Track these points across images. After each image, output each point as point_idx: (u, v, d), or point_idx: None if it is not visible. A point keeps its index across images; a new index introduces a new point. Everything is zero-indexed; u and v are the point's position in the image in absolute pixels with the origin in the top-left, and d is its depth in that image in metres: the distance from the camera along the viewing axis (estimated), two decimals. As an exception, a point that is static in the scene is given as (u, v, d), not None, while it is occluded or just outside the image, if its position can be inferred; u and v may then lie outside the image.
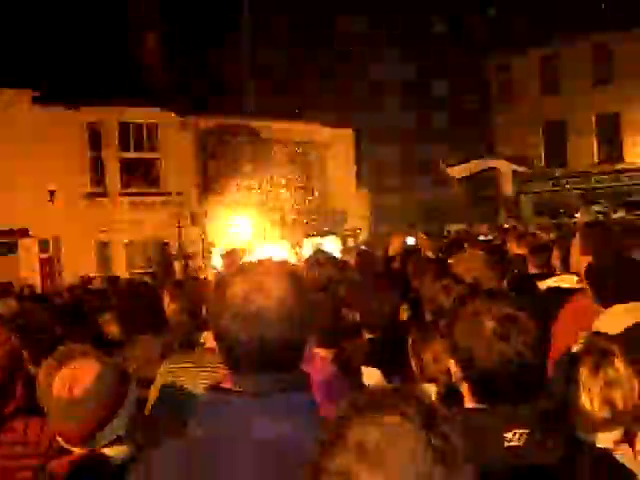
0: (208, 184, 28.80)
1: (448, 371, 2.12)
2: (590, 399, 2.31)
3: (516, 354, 1.90)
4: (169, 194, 27.56)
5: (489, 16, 35.81)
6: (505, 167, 24.48)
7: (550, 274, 5.86)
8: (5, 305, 9.37)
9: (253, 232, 18.89)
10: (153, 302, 4.71)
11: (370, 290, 4.53)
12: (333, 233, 22.41)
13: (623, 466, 2.04)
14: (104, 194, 25.93)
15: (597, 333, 2.73)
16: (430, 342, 3.08)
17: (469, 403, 1.98)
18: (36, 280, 21.75)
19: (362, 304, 4.43)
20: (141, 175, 27.75)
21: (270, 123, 28.25)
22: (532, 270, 6.32)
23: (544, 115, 37.22)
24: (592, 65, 36.03)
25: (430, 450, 1.15)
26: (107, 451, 2.41)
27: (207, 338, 3.71)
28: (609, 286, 3.59)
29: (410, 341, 3.31)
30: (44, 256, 24.23)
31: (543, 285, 5.57)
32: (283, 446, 1.64)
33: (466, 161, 27.16)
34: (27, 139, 22.12)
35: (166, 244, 26.34)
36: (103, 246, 25.91)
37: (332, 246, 14.61)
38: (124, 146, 26.77)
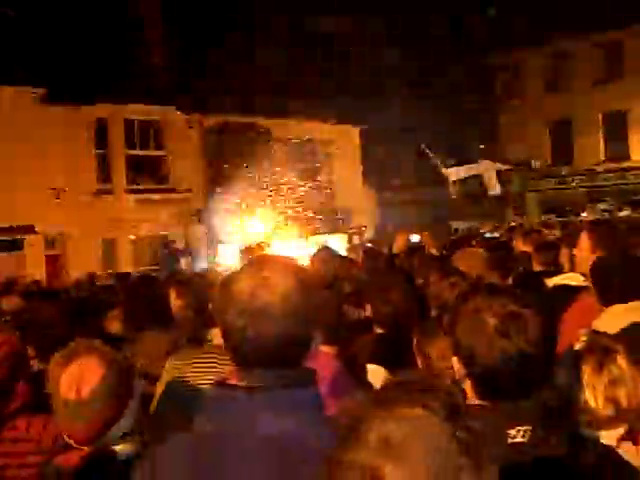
0: (214, 181, 28.82)
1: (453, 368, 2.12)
2: (594, 397, 2.31)
3: (518, 351, 1.90)
4: (175, 191, 27.60)
5: (489, 16, 35.70)
6: (489, 168, 24.41)
7: (557, 271, 5.87)
8: (9, 301, 9.40)
9: (263, 228, 18.92)
10: (159, 298, 4.72)
11: (382, 286, 4.52)
12: (339, 231, 22.43)
13: (627, 463, 2.05)
14: (110, 191, 25.98)
15: (599, 332, 2.73)
16: (435, 339, 3.08)
17: (472, 400, 1.97)
18: (42, 277, 21.77)
19: (374, 300, 4.41)
20: (147, 172, 27.81)
21: (276, 121, 28.25)
22: (537, 268, 6.32)
23: (549, 113, 37.14)
24: (598, 63, 35.92)
25: (455, 442, 1.14)
26: (114, 447, 2.41)
27: (215, 335, 3.71)
28: (614, 285, 3.59)
29: (415, 339, 3.31)
30: (50, 253, 24.28)
31: (550, 282, 5.57)
32: (287, 442, 1.64)
33: (459, 164, 27.22)
34: (34, 137, 22.16)
35: (172, 241, 26.37)
36: (109, 243, 25.95)
37: (337, 244, 14.63)
38: (130, 144, 26.83)
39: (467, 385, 1.99)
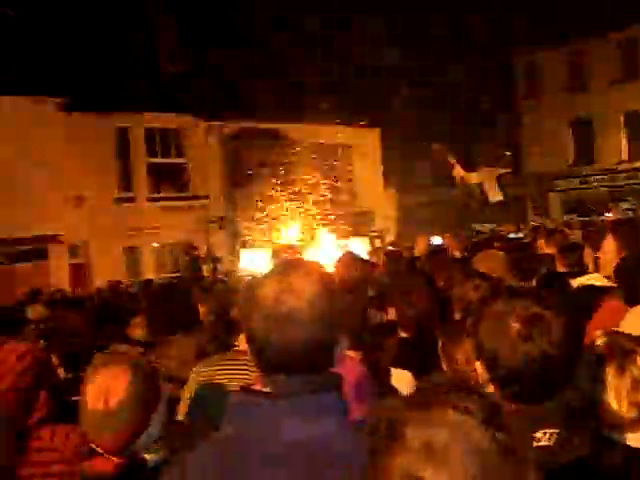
0: (234, 187, 28.91)
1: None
2: (617, 400, 2.28)
3: (541, 353, 1.90)
4: (196, 198, 27.71)
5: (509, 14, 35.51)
6: (486, 176, 24.09)
7: (581, 272, 5.82)
8: (34, 310, 9.47)
9: (286, 233, 18.93)
10: (183, 305, 4.74)
11: (404, 289, 4.50)
12: (360, 234, 22.37)
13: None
14: (132, 199, 26.14)
15: (617, 332, 2.69)
16: (461, 342, 3.05)
17: (496, 404, 1.96)
18: (66, 285, 21.92)
19: (397, 304, 4.40)
20: (168, 180, 27.94)
21: (295, 125, 28.28)
22: (561, 269, 6.27)
23: (570, 113, 36.90)
24: (620, 62, 35.63)
25: (495, 445, 1.13)
26: (143, 454, 2.43)
27: (240, 340, 3.72)
28: (638, 285, 3.55)
29: (440, 342, 3.29)
30: (74, 261, 24.45)
31: (575, 283, 5.52)
32: (312, 447, 1.64)
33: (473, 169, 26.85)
34: (56, 146, 22.34)
35: (194, 248, 26.47)
36: (132, 250, 26.11)
37: (359, 247, 14.59)
38: (151, 152, 26.99)
39: (490, 389, 1.98)
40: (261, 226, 24.78)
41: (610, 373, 2.32)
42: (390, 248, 14.61)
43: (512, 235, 18.25)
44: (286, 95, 25.80)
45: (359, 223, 28.24)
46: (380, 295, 5.31)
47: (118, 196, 25.72)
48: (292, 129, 28.83)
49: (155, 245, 26.79)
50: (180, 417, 3.15)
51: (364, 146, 32.40)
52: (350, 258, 6.25)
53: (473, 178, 25.13)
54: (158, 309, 4.79)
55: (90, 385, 2.39)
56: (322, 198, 26.39)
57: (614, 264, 3.97)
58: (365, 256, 10.68)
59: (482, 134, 35.38)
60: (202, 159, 27.86)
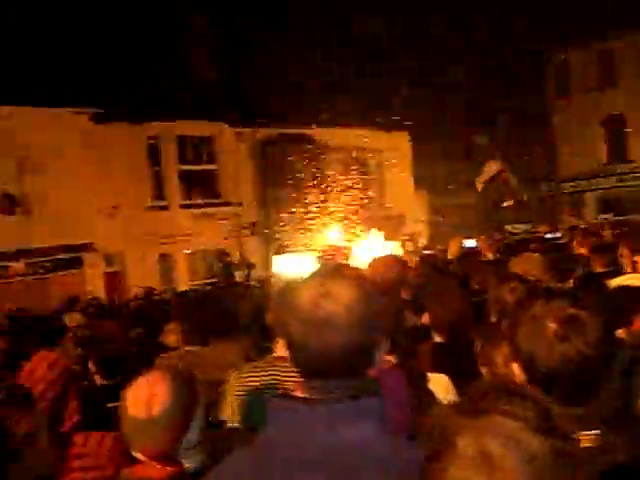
0: (266, 193, 29.00)
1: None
2: None
3: (578, 354, 1.90)
4: (228, 204, 27.84)
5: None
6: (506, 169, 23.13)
7: (617, 272, 5.75)
8: (71, 319, 9.59)
9: (328, 236, 18.93)
10: (220, 311, 4.77)
11: (440, 292, 4.48)
12: (391, 237, 22.28)
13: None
14: (165, 207, 26.33)
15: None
16: (500, 345, 3.02)
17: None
18: (101, 293, 22.15)
19: (432, 307, 4.37)
20: (200, 187, 28.11)
21: (326, 129, 28.30)
22: (597, 269, 6.19)
23: (603, 111, 36.53)
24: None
25: (550, 452, 1.11)
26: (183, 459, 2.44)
27: (278, 346, 3.73)
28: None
29: (479, 345, 3.26)
30: (109, 270, 24.69)
31: (612, 284, 5.45)
32: (351, 452, 1.63)
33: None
34: (89, 156, 22.59)
35: (227, 254, 26.59)
36: (165, 258, 26.29)
37: (392, 251, 14.53)
38: (183, 159, 27.17)
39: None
40: (298, 232, 24.83)
41: None
42: (425, 252, 14.54)
43: (548, 236, 18.09)
44: (317, 100, 25.80)
45: (390, 226, 28.18)
46: (414, 298, 5.28)
47: (151, 204, 25.92)
48: (323, 134, 28.85)
49: (188, 252, 26.95)
50: (226, 423, 3.15)
51: (394, 149, 32.33)
52: (386, 260, 6.22)
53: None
54: (193, 316, 4.82)
55: (132, 393, 2.41)
56: (354, 202, 26.38)
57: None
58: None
59: (515, 134, 35.10)
60: (234, 165, 27.99)
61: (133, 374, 2.64)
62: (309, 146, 28.82)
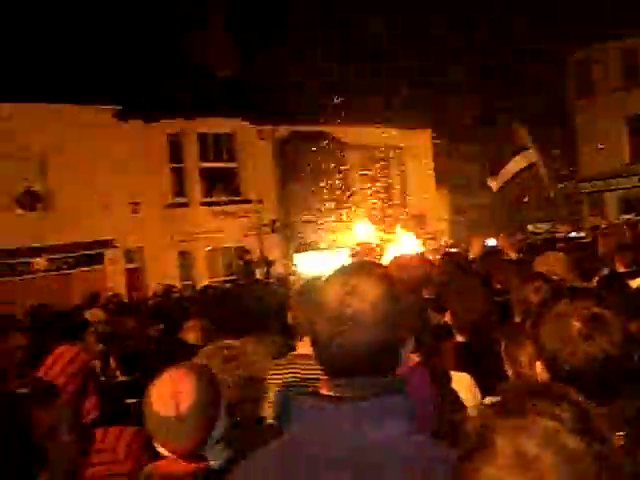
0: (286, 191, 29.03)
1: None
2: None
3: (602, 353, 1.90)
4: (249, 202, 27.88)
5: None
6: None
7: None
8: (92, 315, 9.65)
9: (356, 234, 18.90)
10: (240, 308, 4.77)
11: (462, 291, 4.45)
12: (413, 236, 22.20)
13: None
14: (186, 204, 26.41)
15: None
16: (525, 345, 3.00)
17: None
18: (122, 290, 22.26)
19: (455, 307, 4.34)
20: (221, 184, 28.17)
21: (346, 127, 28.26)
22: (620, 269, 6.14)
23: (626, 111, 36.24)
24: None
25: (588, 453, 1.10)
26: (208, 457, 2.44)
27: (300, 345, 3.71)
28: None
29: (503, 345, 3.23)
30: (129, 266, 24.81)
31: (634, 284, 5.42)
32: (376, 451, 1.62)
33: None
34: (110, 153, 22.70)
35: (247, 251, 26.63)
36: (185, 255, 26.38)
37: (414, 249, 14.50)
38: (203, 156, 27.24)
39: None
40: (318, 229, 24.86)
41: None
42: (449, 250, 14.49)
43: (572, 235, 18.00)
44: (337, 97, 25.75)
45: (412, 225, 28.12)
46: (437, 297, 5.25)
47: (171, 201, 26.01)
48: (344, 131, 28.81)
49: (208, 249, 27.03)
50: (265, 419, 3.13)
51: (415, 147, 32.25)
52: (409, 258, 6.19)
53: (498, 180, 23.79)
54: (213, 313, 4.81)
55: (156, 390, 2.40)
56: (374, 200, 26.37)
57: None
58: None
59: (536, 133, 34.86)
60: (254, 163, 28.03)
61: (152, 371, 2.63)
62: (330, 144, 28.82)
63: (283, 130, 28.80)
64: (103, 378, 4.84)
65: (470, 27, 33.67)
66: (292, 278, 13.58)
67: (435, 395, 2.90)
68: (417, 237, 16.69)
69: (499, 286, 6.42)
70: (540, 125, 34.87)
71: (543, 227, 29.29)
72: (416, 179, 32.11)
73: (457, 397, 3.22)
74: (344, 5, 29.70)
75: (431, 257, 11.14)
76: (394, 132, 29.71)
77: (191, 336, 5.91)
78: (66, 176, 21.87)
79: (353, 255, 10.81)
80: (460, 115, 32.20)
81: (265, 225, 27.91)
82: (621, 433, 1.80)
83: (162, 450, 2.42)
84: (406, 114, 29.38)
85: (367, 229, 17.73)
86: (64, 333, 7.29)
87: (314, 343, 1.77)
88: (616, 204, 37.33)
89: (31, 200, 22.33)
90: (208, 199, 27.26)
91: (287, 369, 3.57)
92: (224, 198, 27.77)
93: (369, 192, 27.52)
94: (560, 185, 29.90)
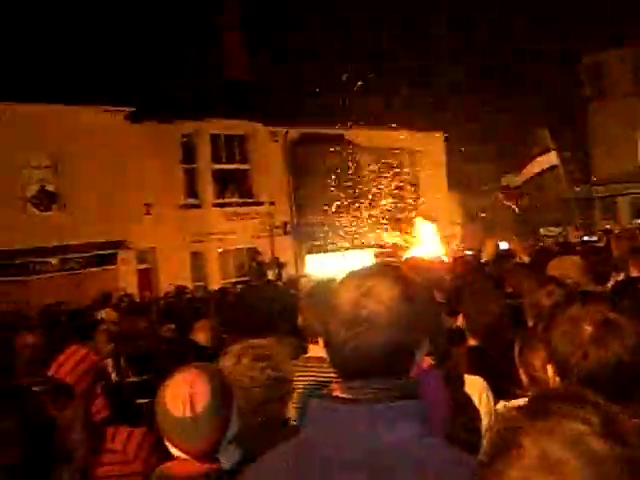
0: (299, 193, 29.03)
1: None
2: None
3: (614, 358, 1.88)
4: (261, 203, 27.90)
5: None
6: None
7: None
8: (105, 314, 9.69)
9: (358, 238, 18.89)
10: (252, 309, 4.76)
11: (475, 294, 4.42)
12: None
13: None
14: (198, 205, 26.45)
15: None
16: (538, 349, 2.97)
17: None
18: (134, 290, 22.32)
19: (468, 309, 4.32)
20: (233, 186, 28.20)
21: (359, 129, 28.25)
22: (634, 273, 6.09)
23: (638, 114, 36.07)
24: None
25: (614, 456, 1.09)
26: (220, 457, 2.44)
27: (311, 347, 3.69)
28: None
29: (517, 348, 3.21)
30: (141, 267, 24.87)
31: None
32: (389, 454, 1.61)
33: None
34: (123, 154, 22.77)
35: (258, 253, 26.65)
36: (197, 256, 26.42)
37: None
38: (216, 158, 27.27)
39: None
40: (330, 231, 24.82)
41: None
42: (465, 252, 14.45)
43: (585, 238, 17.93)
44: (350, 99, 25.73)
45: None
46: (449, 300, 5.22)
47: (184, 202, 26.07)
48: (356, 133, 28.81)
49: (220, 250, 27.06)
50: (289, 420, 3.12)
51: (428, 150, 32.19)
52: (422, 260, 6.16)
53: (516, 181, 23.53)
54: (226, 314, 4.81)
55: (171, 392, 2.39)
56: (387, 203, 26.33)
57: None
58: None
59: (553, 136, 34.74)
60: (267, 164, 28.05)
61: (163, 371, 2.62)
62: (342, 146, 28.80)
63: (295, 132, 28.81)
64: (116, 378, 4.84)
65: (470, 27, 33.63)
66: (303, 280, 13.55)
67: (448, 398, 2.88)
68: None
69: (511, 290, 6.38)
70: (551, 128, 34.81)
71: (555, 230, 29.15)
72: (429, 182, 32.05)
73: (470, 400, 3.20)
74: (347, 5, 29.75)
75: (444, 260, 11.13)
76: (406, 134, 29.67)
77: (201, 336, 5.91)
78: (80, 177, 21.96)
79: (377, 256, 10.80)
80: (472, 117, 32.12)
81: (277, 227, 27.93)
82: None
83: (175, 451, 2.41)
84: (418, 116, 29.34)
85: (382, 231, 17.72)
86: (76, 332, 7.31)
87: (328, 345, 1.76)
88: (628, 208, 37.19)
89: (45, 200, 22.44)
90: (220, 200, 27.30)
91: (303, 371, 3.56)
92: (236, 199, 27.81)
93: (381, 194, 27.48)
94: (577, 188, 29.81)
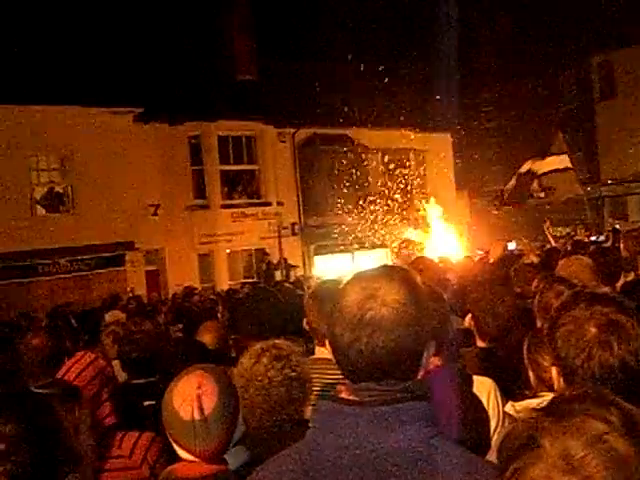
0: (307, 194, 29.02)
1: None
2: None
3: (619, 361, 1.85)
4: (269, 204, 27.90)
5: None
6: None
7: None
8: (113, 316, 9.67)
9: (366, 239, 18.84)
10: (259, 311, 4.74)
11: (485, 295, 4.39)
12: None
13: None
14: (206, 206, 26.47)
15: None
16: (547, 350, 2.95)
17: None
18: (142, 291, 22.35)
19: (477, 309, 4.29)
20: (241, 187, 28.22)
21: (367, 130, 28.24)
22: (641, 273, 6.06)
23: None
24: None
25: (636, 457, 1.09)
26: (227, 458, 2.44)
27: (318, 349, 3.67)
28: None
29: (526, 349, 3.18)
30: (149, 268, 24.90)
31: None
32: (396, 456, 1.61)
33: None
34: (131, 156, 22.81)
35: (267, 254, 26.66)
36: (205, 257, 26.44)
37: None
38: (224, 159, 27.29)
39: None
40: (338, 232, 24.80)
41: None
42: (479, 252, 14.39)
43: (593, 238, 17.88)
44: (358, 100, 25.73)
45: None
46: (457, 301, 5.20)
47: (192, 204, 26.10)
48: (364, 134, 28.79)
49: (228, 251, 27.08)
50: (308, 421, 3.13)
51: (436, 151, 32.15)
52: (428, 261, 6.14)
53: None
54: (234, 316, 4.79)
55: (179, 395, 2.38)
56: (395, 203, 26.28)
57: None
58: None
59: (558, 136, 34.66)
60: (274, 165, 28.06)
61: (170, 373, 2.61)
62: (350, 147, 28.80)
63: (303, 133, 28.81)
64: (123, 380, 4.83)
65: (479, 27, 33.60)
66: (311, 280, 13.55)
67: (457, 399, 2.87)
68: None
69: (520, 290, 6.35)
70: (562, 129, 34.74)
71: (564, 231, 29.05)
72: (436, 182, 31.99)
73: (479, 401, 3.18)
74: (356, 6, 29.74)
75: (452, 261, 11.11)
76: (414, 135, 29.64)
77: (207, 337, 5.90)
78: (88, 178, 22.01)
79: (397, 252, 10.79)
80: (481, 118, 32.10)
81: (285, 227, 27.92)
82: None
83: (182, 453, 2.40)
84: (426, 117, 29.32)
85: (390, 232, 17.68)
86: (83, 334, 7.30)
87: (334, 347, 1.75)
88: (637, 208, 37.02)
89: (53, 202, 22.51)
90: (228, 201, 27.32)
91: (312, 372, 3.55)
92: (244, 200, 27.83)
93: (389, 195, 27.44)
94: (588, 188, 29.71)
